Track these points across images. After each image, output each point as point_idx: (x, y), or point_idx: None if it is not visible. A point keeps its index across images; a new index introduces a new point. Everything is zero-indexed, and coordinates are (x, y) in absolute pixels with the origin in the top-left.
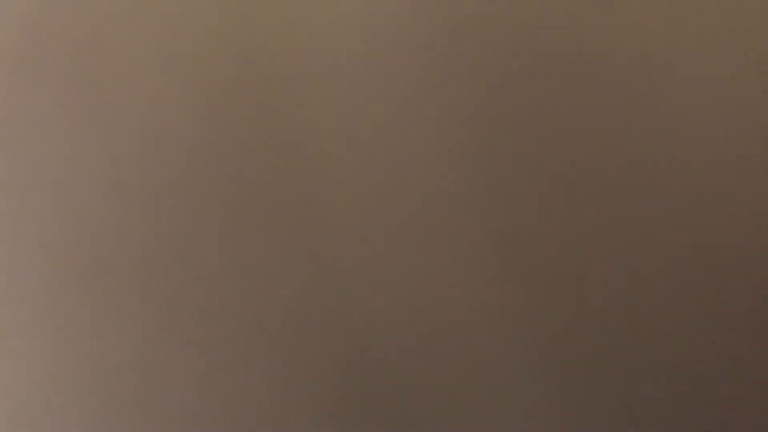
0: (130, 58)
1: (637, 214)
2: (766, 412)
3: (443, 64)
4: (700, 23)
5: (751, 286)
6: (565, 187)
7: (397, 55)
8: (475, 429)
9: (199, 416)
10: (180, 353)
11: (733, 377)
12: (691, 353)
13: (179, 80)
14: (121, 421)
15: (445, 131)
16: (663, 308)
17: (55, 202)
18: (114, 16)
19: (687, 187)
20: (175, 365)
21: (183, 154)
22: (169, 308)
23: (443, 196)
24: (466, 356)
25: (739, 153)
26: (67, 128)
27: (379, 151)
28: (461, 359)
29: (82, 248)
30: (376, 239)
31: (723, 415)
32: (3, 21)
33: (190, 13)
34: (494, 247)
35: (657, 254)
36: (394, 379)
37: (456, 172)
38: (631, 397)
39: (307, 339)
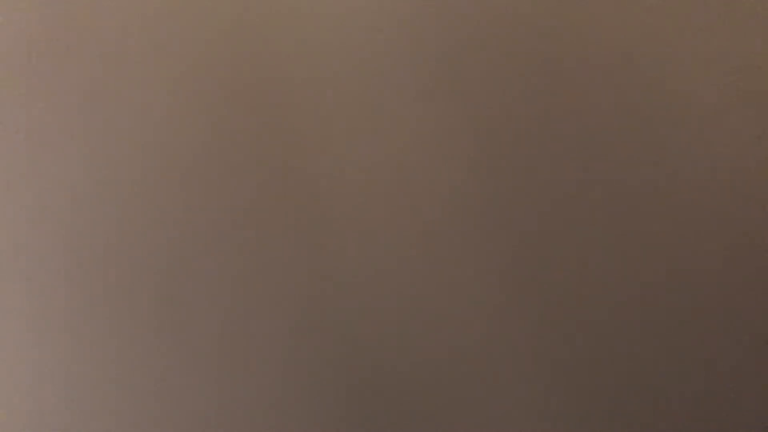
0: (134, 62)
1: (642, 217)
2: (767, 411)
3: (446, 66)
4: (701, 25)
5: (752, 286)
6: (569, 190)
7: (401, 55)
8: (478, 430)
9: (200, 418)
10: (181, 355)
11: (735, 379)
12: (694, 356)
13: (181, 83)
14: (122, 422)
15: (447, 133)
16: (667, 311)
17: (58, 204)
18: (118, 19)
19: (692, 189)
20: (176, 366)
21: (184, 156)
22: (170, 309)
23: (447, 199)
24: (470, 359)
25: (739, 154)
26: (69, 130)
27: (383, 152)
28: (465, 362)
29: (85, 251)
30: (379, 241)
31: (724, 416)
32: (7, 25)
33: (193, 16)
34: (498, 250)
35: (661, 257)
36: (398, 382)
37: (459, 175)
38: (636, 400)
39: (309, 342)
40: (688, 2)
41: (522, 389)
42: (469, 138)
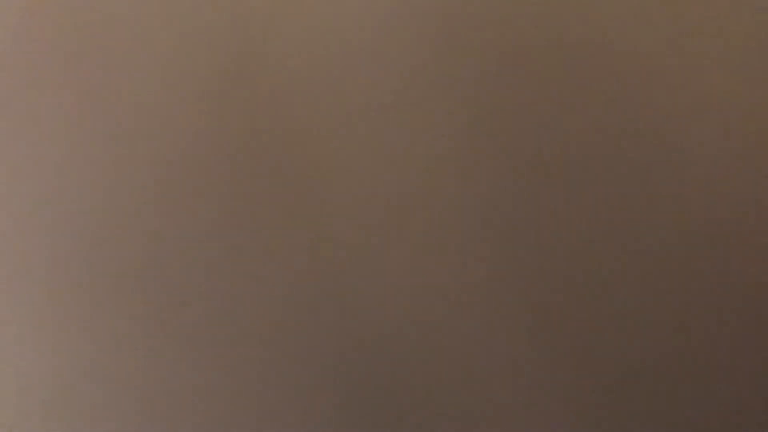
0: (131, 60)
1: (641, 216)
2: (766, 412)
3: (446, 65)
4: (699, 22)
5: (751, 284)
6: (570, 190)
7: (398, 53)
8: (476, 430)
9: (199, 417)
10: (180, 353)
11: (733, 376)
12: (691, 352)
13: (179, 81)
14: (121, 421)
15: (447, 133)
16: (664, 307)
17: (57, 203)
18: (115, 16)
19: (690, 186)
20: (175, 365)
21: (182, 155)
22: (168, 307)
23: (446, 198)
24: (468, 357)
25: (738, 151)
26: (67, 129)
27: (383, 151)
28: (463, 360)
29: (82, 248)
30: (379, 240)
31: (724, 415)
32: (7, 25)
33: (190, 13)
34: (498, 249)
35: (660, 257)
36: (395, 380)
37: (459, 174)
38: (635, 398)
39: (307, 341)
40: (689, 1)
41: (520, 388)
42: (469, 137)
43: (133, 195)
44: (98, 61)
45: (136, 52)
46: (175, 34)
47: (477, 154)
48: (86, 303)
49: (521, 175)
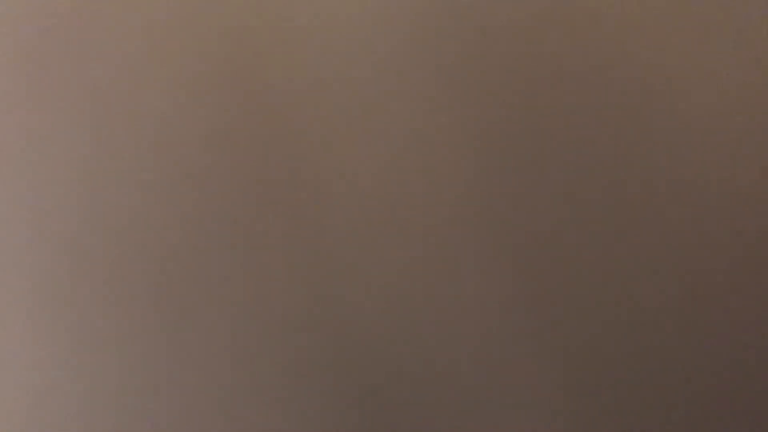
0: (136, 65)
1: (642, 218)
2: (766, 412)
3: (448, 70)
4: (703, 32)
5: (751, 286)
6: (572, 192)
7: (404, 59)
8: (475, 430)
9: (200, 416)
10: (181, 353)
11: (733, 376)
12: (693, 354)
13: (183, 85)
14: (123, 421)
15: (449, 136)
16: (668, 311)
17: (62, 205)
18: (121, 23)
19: (691, 190)
20: (177, 365)
21: (187, 158)
22: (170, 309)
23: (449, 201)
24: (472, 358)
25: (740, 157)
26: (71, 131)
27: (386, 154)
28: (464, 362)
29: (89, 250)
30: (380, 242)
31: (723, 415)
32: (7, 23)
33: (196, 19)
34: (500, 251)
35: (661, 257)
36: (395, 381)
37: (461, 177)
38: (635, 399)
39: (310, 341)
40: (689, 3)
41: (524, 388)
42: (471, 140)
43: (136, 198)
44: (103, 66)
45: (141, 57)
46: (179, 39)
47: (481, 158)
48: (91, 309)
49: (521, 177)
